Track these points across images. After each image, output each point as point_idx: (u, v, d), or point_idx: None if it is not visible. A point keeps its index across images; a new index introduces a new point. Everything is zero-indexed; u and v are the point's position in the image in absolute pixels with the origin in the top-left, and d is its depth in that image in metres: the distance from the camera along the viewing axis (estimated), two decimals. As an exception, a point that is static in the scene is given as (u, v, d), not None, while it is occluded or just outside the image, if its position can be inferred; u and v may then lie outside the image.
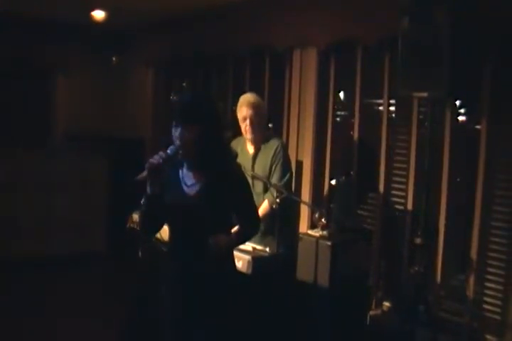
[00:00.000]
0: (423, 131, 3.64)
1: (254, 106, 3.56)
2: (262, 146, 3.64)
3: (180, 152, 2.31)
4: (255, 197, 2.80)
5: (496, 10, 3.17)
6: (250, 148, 3.68)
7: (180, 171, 2.45)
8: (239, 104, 3.63)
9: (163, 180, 2.34)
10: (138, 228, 3.62)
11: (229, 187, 2.38)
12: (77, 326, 4.09)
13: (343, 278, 3.33)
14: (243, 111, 3.57)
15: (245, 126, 3.57)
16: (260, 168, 3.59)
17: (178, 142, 2.31)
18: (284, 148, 3.70)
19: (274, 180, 3.51)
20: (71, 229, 5.74)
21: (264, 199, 3.52)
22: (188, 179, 2.43)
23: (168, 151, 2.30)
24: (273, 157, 3.56)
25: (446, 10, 3.10)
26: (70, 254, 5.49)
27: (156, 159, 2.26)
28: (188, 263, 2.42)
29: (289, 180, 3.63)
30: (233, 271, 2.57)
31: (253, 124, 3.55)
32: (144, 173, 2.26)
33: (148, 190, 2.32)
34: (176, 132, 2.31)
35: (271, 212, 3.43)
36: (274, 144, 3.61)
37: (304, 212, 4.42)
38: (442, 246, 3.58)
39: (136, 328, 3.67)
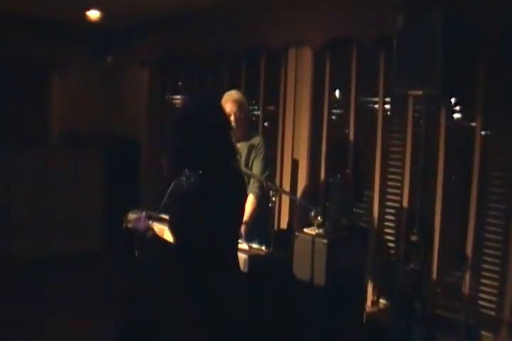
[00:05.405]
0: (418, 129, 3.65)
1: (238, 103, 3.64)
2: (246, 143, 3.67)
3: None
4: None
5: (489, 9, 3.19)
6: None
7: None
8: (223, 100, 3.67)
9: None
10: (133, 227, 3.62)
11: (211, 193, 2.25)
12: (73, 326, 4.07)
13: (339, 275, 3.33)
14: (227, 107, 3.61)
15: None
16: (242, 164, 3.61)
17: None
18: (266, 144, 3.75)
19: (255, 173, 3.57)
20: (68, 229, 5.72)
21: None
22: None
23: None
24: (254, 152, 3.65)
25: (441, 8, 3.11)
26: (67, 254, 5.47)
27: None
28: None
29: (270, 175, 3.69)
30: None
31: (237, 120, 3.61)
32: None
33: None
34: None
35: (257, 208, 3.48)
36: (255, 140, 3.70)
37: (300, 210, 4.42)
38: (438, 243, 3.59)
39: (133, 328, 3.67)
